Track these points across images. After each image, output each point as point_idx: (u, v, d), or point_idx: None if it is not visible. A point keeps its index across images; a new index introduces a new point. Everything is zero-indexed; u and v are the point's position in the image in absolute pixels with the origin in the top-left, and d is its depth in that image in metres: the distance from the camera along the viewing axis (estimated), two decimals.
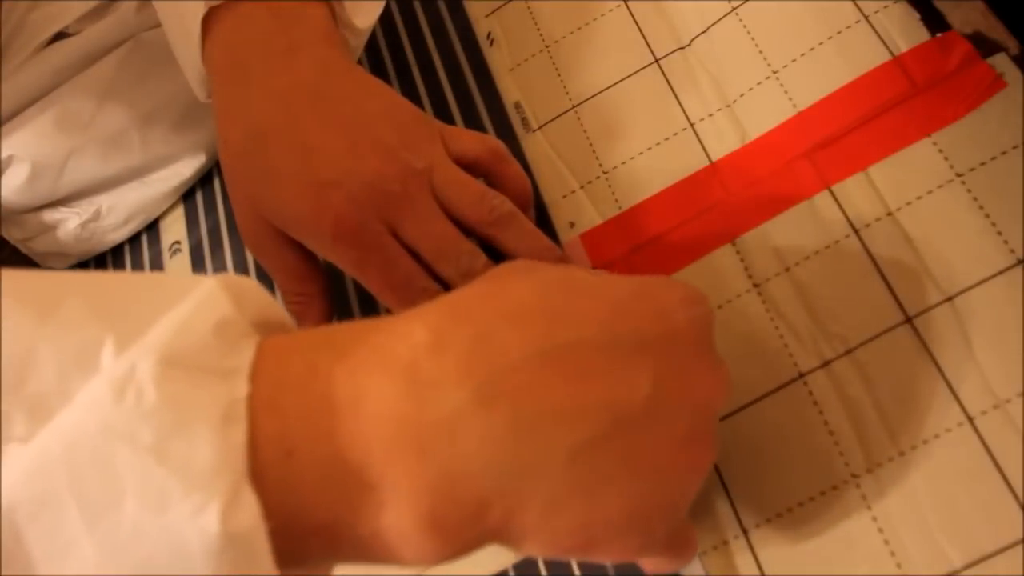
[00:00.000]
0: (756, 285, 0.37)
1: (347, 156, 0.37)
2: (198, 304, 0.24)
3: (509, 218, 0.38)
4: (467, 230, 0.38)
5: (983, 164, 0.35)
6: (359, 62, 0.47)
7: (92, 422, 0.21)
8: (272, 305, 0.26)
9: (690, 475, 0.27)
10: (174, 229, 0.54)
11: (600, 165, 0.43)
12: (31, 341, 0.22)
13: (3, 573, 0.21)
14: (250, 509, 0.21)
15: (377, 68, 0.51)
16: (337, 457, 0.23)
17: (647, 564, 0.30)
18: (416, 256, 0.37)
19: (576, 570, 0.35)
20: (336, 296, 0.46)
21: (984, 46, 0.37)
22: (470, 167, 0.39)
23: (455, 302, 0.26)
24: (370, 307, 0.45)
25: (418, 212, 0.37)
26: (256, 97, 0.38)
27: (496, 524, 0.24)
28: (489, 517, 0.24)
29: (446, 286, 0.38)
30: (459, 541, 0.24)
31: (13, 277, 0.24)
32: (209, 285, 0.24)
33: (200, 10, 0.38)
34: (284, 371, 0.24)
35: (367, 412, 0.23)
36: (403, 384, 0.24)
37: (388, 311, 0.42)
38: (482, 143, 0.40)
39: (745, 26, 0.42)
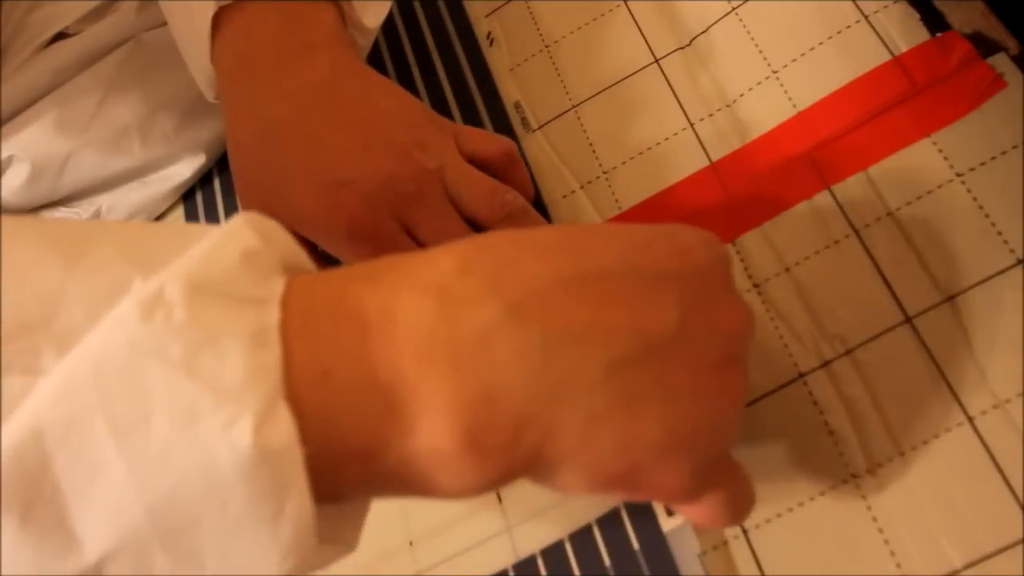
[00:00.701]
0: (756, 285, 0.37)
1: (360, 155, 0.37)
2: (224, 235, 0.24)
3: (521, 213, 0.38)
4: (479, 229, 0.38)
5: (983, 164, 0.35)
6: None
7: (120, 340, 0.21)
8: (297, 250, 0.26)
9: (726, 401, 0.26)
10: None
11: (600, 165, 0.43)
12: (60, 282, 0.22)
13: (31, 500, 0.20)
14: (285, 426, 0.21)
15: (377, 68, 0.51)
16: (373, 376, 0.23)
17: (700, 513, 0.28)
18: None
19: (576, 570, 0.35)
20: None
21: (984, 46, 0.37)
22: (482, 167, 0.39)
23: (482, 236, 0.26)
24: None
25: (431, 211, 0.37)
26: (267, 97, 0.38)
27: (534, 446, 0.23)
28: (527, 437, 0.23)
29: None
30: (497, 464, 0.23)
31: (42, 224, 0.24)
32: (235, 220, 0.24)
33: (209, 10, 0.38)
34: (314, 298, 0.24)
35: (400, 330, 0.23)
36: (434, 302, 0.24)
37: None
38: (495, 143, 0.40)
39: (745, 26, 0.42)
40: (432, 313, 0.23)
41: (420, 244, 0.37)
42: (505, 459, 0.23)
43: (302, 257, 0.26)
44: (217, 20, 0.39)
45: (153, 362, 0.21)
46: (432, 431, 0.23)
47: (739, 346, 0.27)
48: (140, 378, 0.21)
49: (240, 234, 0.24)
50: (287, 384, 0.22)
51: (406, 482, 0.23)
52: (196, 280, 0.22)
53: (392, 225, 0.37)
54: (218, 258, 0.23)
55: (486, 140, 0.40)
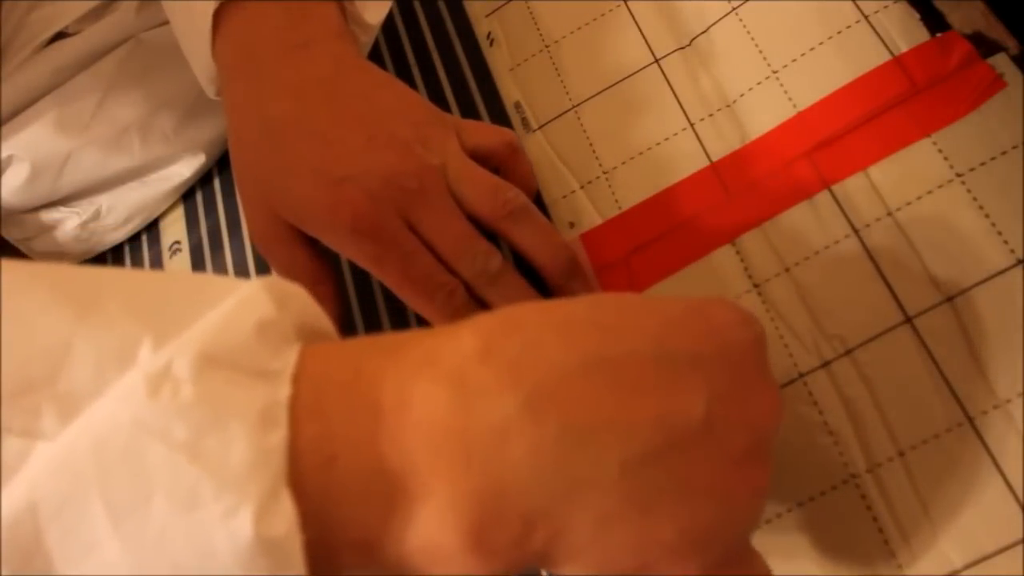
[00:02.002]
0: (756, 285, 0.37)
1: (364, 151, 0.37)
2: (240, 304, 0.23)
3: (523, 212, 0.38)
4: (483, 229, 0.38)
5: (983, 164, 0.35)
6: None
7: (124, 416, 0.21)
8: (317, 312, 0.26)
9: (748, 497, 0.25)
10: (174, 229, 0.54)
11: (600, 165, 0.43)
12: (68, 336, 0.22)
13: (22, 571, 0.20)
14: (286, 515, 0.21)
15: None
16: (381, 465, 0.22)
17: None
18: (433, 252, 0.37)
19: None
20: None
21: (984, 46, 0.37)
22: (484, 159, 0.39)
23: (505, 313, 0.26)
24: (370, 313, 0.45)
25: (434, 209, 0.37)
26: (270, 92, 0.38)
27: (543, 542, 0.23)
28: (535, 536, 0.23)
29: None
30: (502, 561, 0.23)
31: (54, 271, 0.23)
32: (252, 286, 0.24)
33: (211, 7, 0.38)
34: (328, 375, 0.23)
35: (413, 418, 0.23)
36: (451, 391, 0.23)
37: (391, 315, 0.42)
38: (498, 136, 0.40)
39: (745, 26, 0.42)
40: (447, 404, 0.23)
41: (423, 241, 0.37)
42: (510, 556, 0.23)
43: (321, 319, 0.26)
44: (218, 17, 0.39)
45: (156, 443, 0.20)
46: (437, 527, 0.22)
47: (767, 438, 0.26)
48: (142, 458, 0.20)
49: (256, 302, 0.23)
50: (292, 466, 0.21)
51: (406, 571, 0.23)
52: (208, 352, 0.22)
53: (395, 221, 0.36)
54: (232, 328, 0.22)
55: (488, 133, 0.40)
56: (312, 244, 0.39)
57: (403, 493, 0.22)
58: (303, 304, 0.25)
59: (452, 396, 0.23)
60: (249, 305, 0.23)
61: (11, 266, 0.23)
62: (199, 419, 0.21)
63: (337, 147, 0.37)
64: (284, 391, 0.22)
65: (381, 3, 0.43)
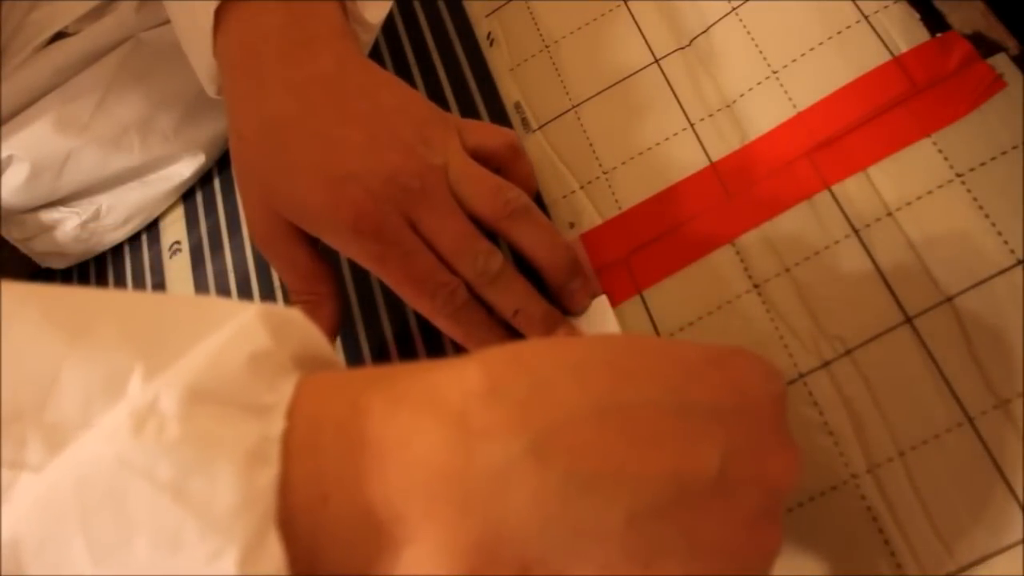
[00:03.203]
0: (756, 285, 0.37)
1: (366, 150, 0.37)
2: (234, 334, 0.22)
3: (524, 212, 0.38)
4: (484, 229, 0.38)
5: (983, 164, 0.35)
6: None
7: (108, 454, 0.20)
8: (318, 340, 0.25)
9: (758, 559, 0.24)
10: (174, 229, 0.54)
11: (600, 165, 0.43)
12: (58, 363, 0.21)
13: None
14: (273, 557, 0.20)
15: None
16: (374, 506, 0.21)
17: None
18: (434, 252, 0.37)
19: None
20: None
21: (984, 46, 0.37)
22: (486, 160, 0.39)
23: (517, 348, 0.25)
24: (370, 313, 0.45)
25: (436, 208, 0.37)
26: (272, 89, 0.38)
27: None
28: None
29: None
30: None
31: (48, 293, 0.23)
32: (248, 315, 0.23)
33: (212, 5, 0.38)
34: (324, 409, 0.23)
35: (410, 458, 0.22)
36: (452, 431, 0.22)
37: (391, 314, 0.42)
38: (499, 136, 0.40)
39: (745, 26, 0.42)
40: (448, 445, 0.22)
41: (424, 240, 0.37)
42: None
43: (321, 346, 0.25)
44: (220, 15, 0.39)
45: (140, 482, 0.20)
46: (429, 571, 0.21)
47: (780, 499, 0.25)
48: (125, 498, 0.20)
49: (251, 333, 0.23)
50: (282, 504, 0.21)
51: None
52: (197, 387, 0.21)
53: (397, 220, 0.36)
54: (224, 361, 0.22)
55: (489, 134, 0.40)
56: (312, 243, 0.39)
57: (396, 536, 0.21)
58: (302, 331, 0.25)
59: (452, 437, 0.22)
60: (243, 336, 0.22)
61: (4, 287, 0.22)
62: (185, 458, 0.20)
63: (339, 146, 0.37)
64: (277, 427, 0.22)
65: (382, 2, 0.43)
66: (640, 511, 0.22)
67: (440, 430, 0.22)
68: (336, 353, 0.30)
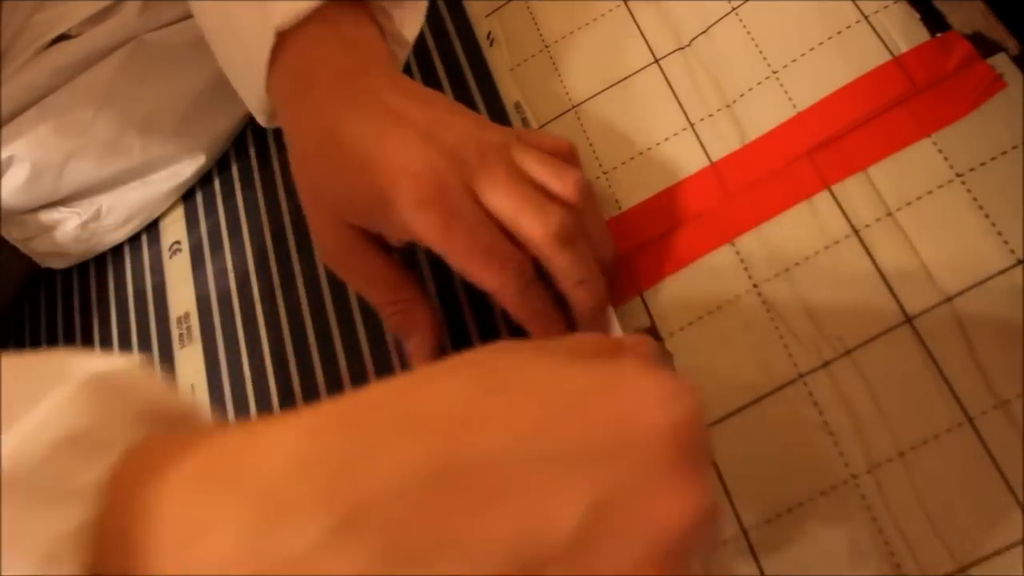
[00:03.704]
0: (756, 285, 0.37)
1: (424, 137, 0.36)
2: (47, 416, 0.20)
3: (589, 195, 0.37)
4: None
5: (983, 164, 0.35)
6: None
7: None
8: (165, 393, 0.23)
9: None
10: (174, 229, 0.54)
11: (600, 165, 0.43)
12: None
13: None
14: None
15: None
16: None
17: None
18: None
19: None
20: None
21: (984, 46, 0.37)
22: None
23: (348, 405, 0.23)
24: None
25: (500, 176, 0.36)
26: (328, 106, 0.38)
27: None
28: None
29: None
30: None
31: None
32: (65, 392, 0.21)
33: (267, 42, 0.37)
34: (134, 491, 0.21)
35: (204, 552, 0.20)
36: (253, 514, 0.20)
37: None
38: (559, 144, 0.40)
39: (745, 26, 0.42)
40: (244, 534, 0.20)
41: (491, 214, 0.36)
42: None
43: (171, 399, 0.24)
44: (274, 50, 0.38)
45: None
46: None
47: (675, 550, 0.21)
48: None
49: (66, 412, 0.21)
50: None
51: None
52: (4, 473, 0.19)
53: (460, 191, 0.35)
54: (32, 446, 0.20)
55: (550, 140, 0.40)
56: (387, 251, 0.38)
57: None
58: (147, 387, 0.23)
59: (252, 522, 0.20)
60: (57, 416, 0.20)
61: None
62: None
63: (398, 139, 0.36)
64: (79, 516, 0.20)
65: (416, 15, 0.43)
66: None
67: (240, 515, 0.20)
68: (203, 393, 0.29)
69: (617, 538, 0.21)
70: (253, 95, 0.40)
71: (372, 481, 0.20)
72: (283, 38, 0.38)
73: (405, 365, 0.43)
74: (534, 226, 0.35)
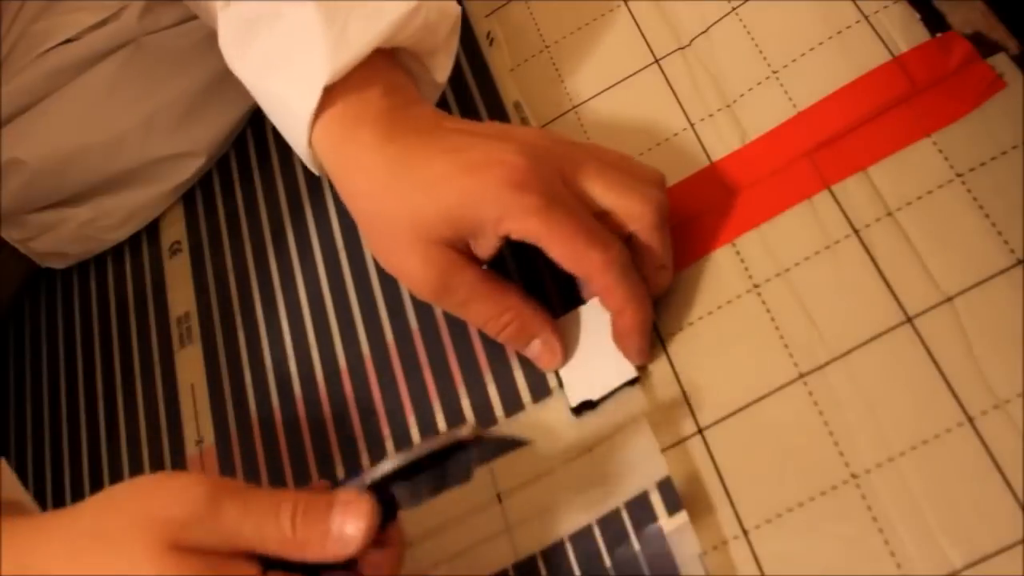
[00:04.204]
0: (756, 285, 0.37)
1: (500, 140, 0.36)
2: None
3: (664, 221, 0.37)
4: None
5: (983, 164, 0.35)
6: None
7: None
8: None
9: None
10: (174, 229, 0.54)
11: None
12: None
13: None
14: None
15: None
16: None
17: None
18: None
19: (576, 570, 0.35)
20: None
21: (984, 46, 0.37)
22: None
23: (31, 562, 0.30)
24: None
25: (588, 162, 0.36)
26: (382, 136, 0.37)
27: None
28: None
29: None
30: None
31: None
32: None
33: (314, 96, 0.37)
34: None
35: None
36: None
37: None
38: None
39: (745, 26, 0.42)
40: None
41: (588, 204, 0.36)
42: None
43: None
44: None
45: None
46: None
47: None
48: None
49: None
50: None
51: None
52: None
53: (554, 175, 0.35)
54: None
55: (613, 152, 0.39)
56: (479, 263, 0.37)
57: None
58: None
59: None
60: None
61: None
62: None
63: (475, 142, 0.36)
64: None
65: (447, 62, 0.42)
66: None
67: None
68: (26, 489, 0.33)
69: None
70: (300, 144, 0.39)
71: None
72: (325, 90, 0.37)
73: (406, 364, 0.43)
74: (638, 203, 0.35)
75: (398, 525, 0.32)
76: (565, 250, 0.35)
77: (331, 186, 0.50)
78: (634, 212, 0.36)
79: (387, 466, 0.30)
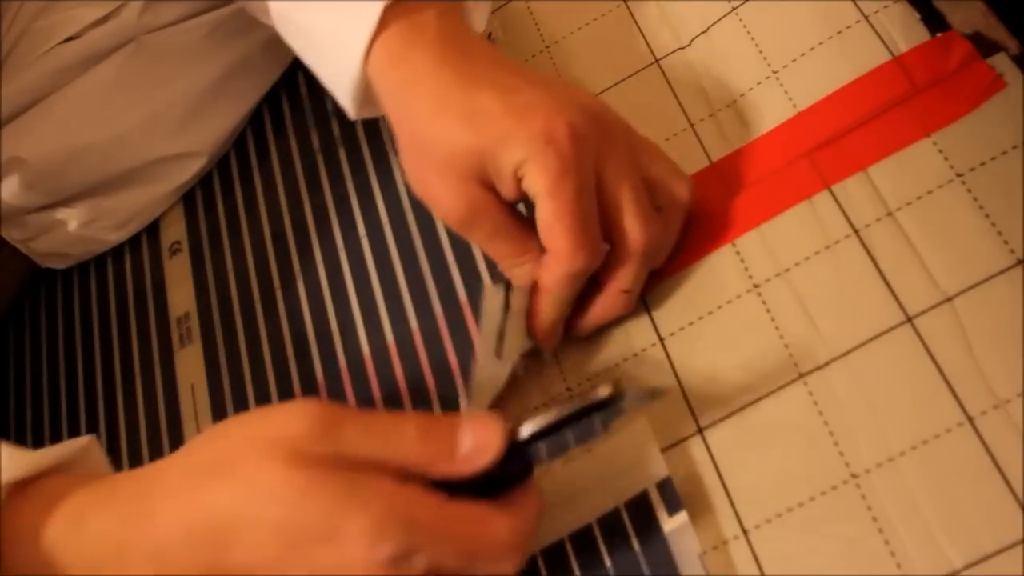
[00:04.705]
0: (756, 286, 0.37)
1: (548, 93, 0.36)
2: None
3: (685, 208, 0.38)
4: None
5: (983, 164, 0.35)
6: None
7: None
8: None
9: None
10: (174, 229, 0.54)
11: None
12: None
13: None
14: None
15: None
16: None
17: None
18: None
19: (576, 570, 0.35)
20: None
21: (984, 46, 0.37)
22: None
23: (148, 498, 0.30)
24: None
25: (624, 154, 0.36)
26: (439, 61, 0.37)
27: None
28: None
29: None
30: None
31: None
32: None
33: (371, 22, 0.37)
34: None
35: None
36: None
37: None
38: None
39: (745, 26, 0.42)
40: None
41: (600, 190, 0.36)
42: None
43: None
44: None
45: None
46: None
47: None
48: None
49: None
50: None
51: None
52: None
53: (589, 152, 0.35)
54: None
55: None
56: (511, 205, 0.37)
57: None
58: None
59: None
60: None
61: None
62: None
63: (522, 89, 0.36)
64: None
65: (484, 13, 0.42)
66: None
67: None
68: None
69: None
70: (345, 80, 0.39)
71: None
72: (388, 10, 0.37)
73: (405, 362, 0.43)
74: (637, 230, 0.36)
75: (535, 485, 0.32)
76: (549, 224, 0.35)
77: (331, 185, 0.50)
78: (631, 237, 0.36)
79: (529, 428, 0.31)
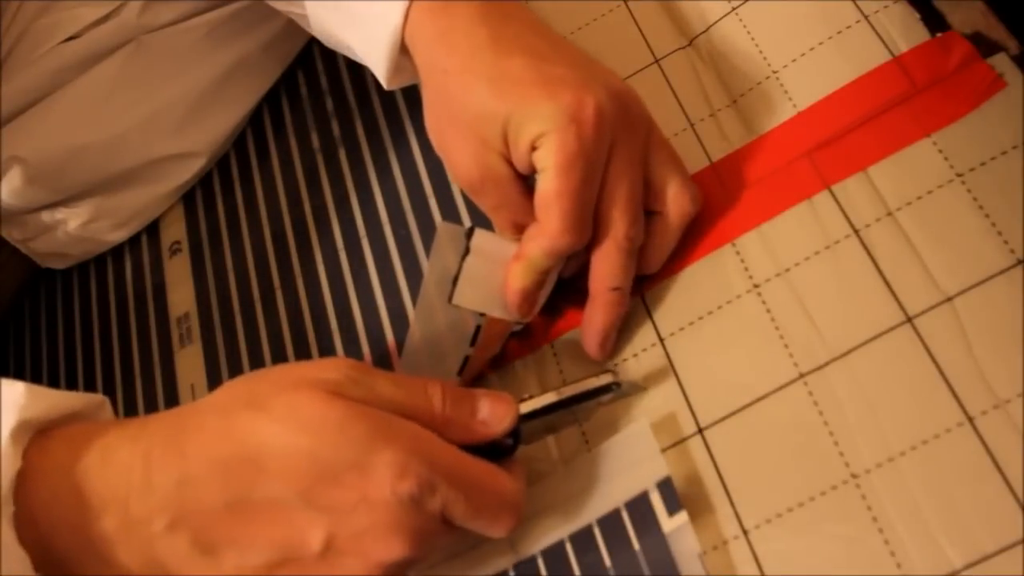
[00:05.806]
0: (756, 285, 0.37)
1: (581, 69, 0.36)
2: None
3: (687, 218, 0.38)
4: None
5: (983, 164, 0.35)
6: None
7: None
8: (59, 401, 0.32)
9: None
10: (174, 229, 0.54)
11: None
12: None
13: None
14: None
15: None
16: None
17: None
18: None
19: (576, 570, 0.35)
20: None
21: (984, 46, 0.37)
22: None
23: (180, 429, 0.31)
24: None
25: (635, 152, 0.36)
26: (475, 17, 0.37)
27: None
28: None
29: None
30: None
31: None
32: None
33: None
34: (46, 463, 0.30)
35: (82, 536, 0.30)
36: (115, 519, 0.30)
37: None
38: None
39: (745, 26, 0.42)
40: (111, 534, 0.30)
41: (637, 170, 0.36)
42: None
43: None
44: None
45: None
46: None
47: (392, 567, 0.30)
48: None
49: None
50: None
51: None
52: None
53: (607, 140, 0.35)
54: None
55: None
56: (524, 179, 0.37)
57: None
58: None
59: (117, 525, 0.30)
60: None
61: None
62: None
63: (554, 60, 0.36)
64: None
65: None
66: (249, 567, 0.30)
67: (104, 520, 0.30)
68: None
69: (349, 561, 0.30)
70: (386, 27, 0.38)
71: (191, 503, 0.30)
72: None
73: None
74: (621, 224, 0.36)
75: (520, 460, 0.34)
76: (552, 195, 0.35)
77: (331, 185, 0.50)
78: (618, 231, 0.36)
79: (529, 407, 0.34)
